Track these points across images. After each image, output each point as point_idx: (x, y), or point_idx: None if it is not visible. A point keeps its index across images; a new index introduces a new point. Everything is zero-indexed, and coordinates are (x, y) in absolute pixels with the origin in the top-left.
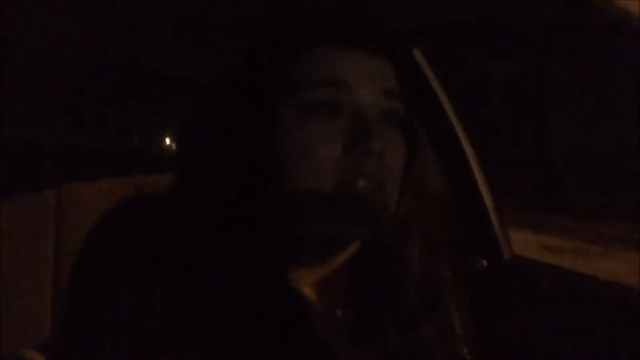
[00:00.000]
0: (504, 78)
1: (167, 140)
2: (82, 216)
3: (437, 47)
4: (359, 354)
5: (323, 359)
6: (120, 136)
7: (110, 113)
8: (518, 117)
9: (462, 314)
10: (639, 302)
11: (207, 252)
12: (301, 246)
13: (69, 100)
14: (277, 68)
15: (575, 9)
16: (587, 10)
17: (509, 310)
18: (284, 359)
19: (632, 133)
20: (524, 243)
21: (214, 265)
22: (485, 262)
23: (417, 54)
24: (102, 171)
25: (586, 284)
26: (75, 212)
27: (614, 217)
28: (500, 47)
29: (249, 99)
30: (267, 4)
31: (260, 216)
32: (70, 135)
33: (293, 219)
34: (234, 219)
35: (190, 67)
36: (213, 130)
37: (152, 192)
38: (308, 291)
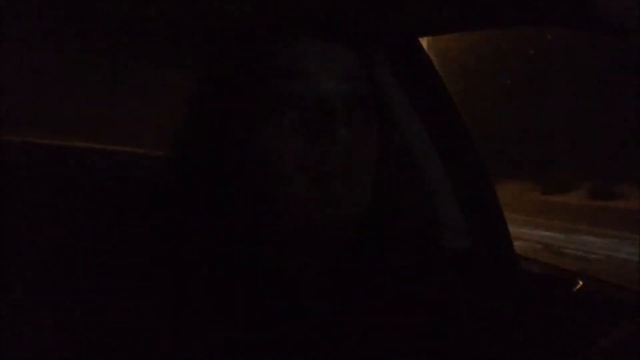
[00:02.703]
0: None
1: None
2: None
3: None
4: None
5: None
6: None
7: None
8: None
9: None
10: None
11: (191, 251)
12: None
13: (69, 100)
14: (242, 64)
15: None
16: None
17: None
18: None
19: None
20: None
21: (198, 264)
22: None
23: (420, 41)
24: (100, 171)
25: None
26: None
27: None
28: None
29: (224, 97)
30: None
31: (242, 215)
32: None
33: (271, 218)
34: (217, 218)
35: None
36: (197, 131)
37: (141, 193)
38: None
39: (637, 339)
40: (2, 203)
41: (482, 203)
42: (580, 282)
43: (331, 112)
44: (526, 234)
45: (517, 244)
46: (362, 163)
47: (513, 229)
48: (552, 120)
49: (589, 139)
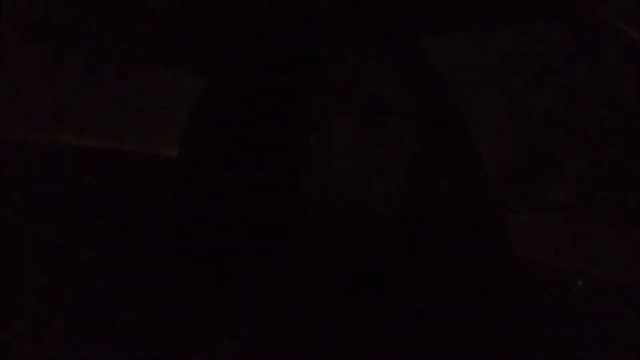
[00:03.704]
0: None
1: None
2: None
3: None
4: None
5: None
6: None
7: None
8: None
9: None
10: None
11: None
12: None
13: (70, 100)
14: (293, 70)
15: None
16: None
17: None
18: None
19: None
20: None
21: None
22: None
23: (425, 44)
24: (105, 172)
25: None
26: None
27: None
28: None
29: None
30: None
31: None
32: (71, 135)
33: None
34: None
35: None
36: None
37: (142, 193)
38: None
39: (636, 338)
40: (2, 203)
41: (482, 203)
42: (580, 282)
43: (381, 109)
44: None
45: None
46: (400, 159)
47: None
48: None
49: None
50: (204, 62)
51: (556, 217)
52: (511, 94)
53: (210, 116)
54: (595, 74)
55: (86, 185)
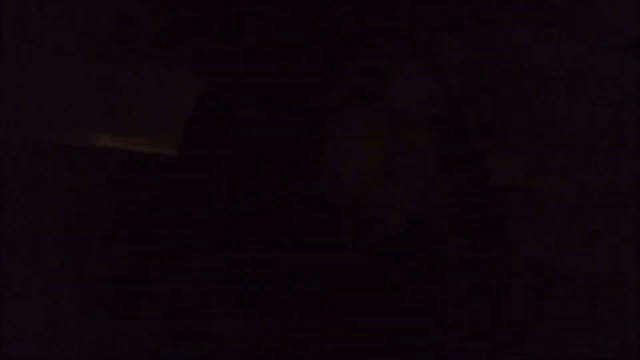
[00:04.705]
0: None
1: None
2: None
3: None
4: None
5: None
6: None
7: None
8: None
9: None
10: None
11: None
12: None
13: (69, 100)
14: (322, 74)
15: None
16: None
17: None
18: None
19: None
20: None
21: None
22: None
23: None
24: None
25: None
26: None
27: None
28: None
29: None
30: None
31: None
32: (72, 134)
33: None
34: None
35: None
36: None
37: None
38: None
39: (636, 336)
40: (2, 203)
41: (483, 204)
42: (580, 282)
43: (406, 122)
44: None
45: None
46: (421, 173)
47: None
48: None
49: None
50: (204, 62)
51: (557, 214)
52: (519, 98)
53: (210, 116)
54: (596, 74)
55: (85, 184)
